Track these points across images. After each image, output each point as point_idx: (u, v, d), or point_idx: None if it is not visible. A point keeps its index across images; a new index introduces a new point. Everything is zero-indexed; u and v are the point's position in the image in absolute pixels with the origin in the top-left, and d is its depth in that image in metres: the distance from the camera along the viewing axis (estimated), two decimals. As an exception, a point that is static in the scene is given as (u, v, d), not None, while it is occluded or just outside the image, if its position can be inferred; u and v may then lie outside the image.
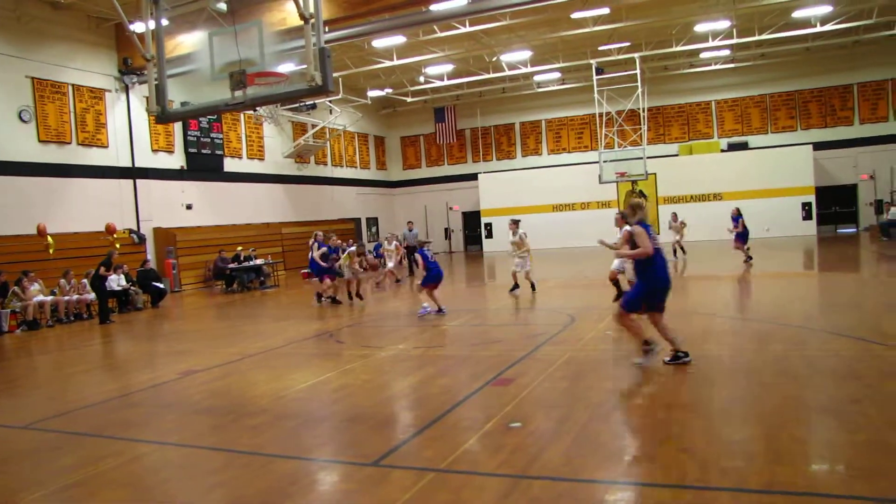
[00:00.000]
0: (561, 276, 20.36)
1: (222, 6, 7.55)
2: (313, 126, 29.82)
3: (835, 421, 5.78)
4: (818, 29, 25.64)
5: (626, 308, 7.87)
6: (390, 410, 7.16)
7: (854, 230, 31.76)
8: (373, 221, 35.52)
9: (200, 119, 24.15)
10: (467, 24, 22.65)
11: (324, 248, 16.61)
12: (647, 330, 7.94)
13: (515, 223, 16.35)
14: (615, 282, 13.29)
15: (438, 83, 30.22)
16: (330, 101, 28.75)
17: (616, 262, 12.81)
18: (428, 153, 38.48)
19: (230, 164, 26.05)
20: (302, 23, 6.88)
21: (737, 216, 20.04)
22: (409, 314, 14.23)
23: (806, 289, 15.33)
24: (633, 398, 6.97)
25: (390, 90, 31.38)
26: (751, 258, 19.51)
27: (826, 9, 23.99)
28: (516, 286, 16.08)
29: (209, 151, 24.81)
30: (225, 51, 7.34)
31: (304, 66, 7.05)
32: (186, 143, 23.88)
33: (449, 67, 28.55)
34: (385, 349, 10.24)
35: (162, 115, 7.82)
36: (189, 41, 8.31)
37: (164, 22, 7.90)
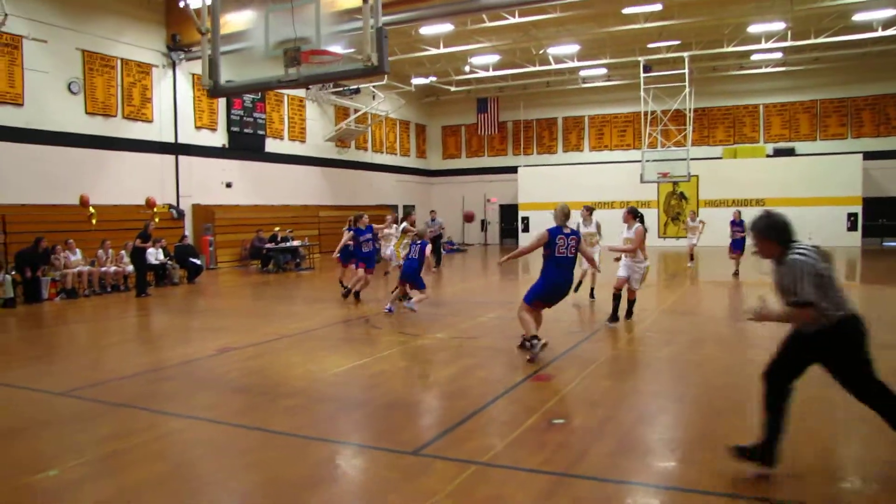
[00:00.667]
0: (600, 274, 20.04)
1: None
2: (356, 111, 29.77)
3: None
4: (878, 34, 24.90)
5: (525, 300, 8.60)
6: (429, 399, 7.04)
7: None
8: (410, 209, 35.43)
9: (245, 98, 24.20)
10: (517, 14, 22.38)
11: (350, 232, 14.41)
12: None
13: (590, 211, 14.35)
14: (617, 295, 11.02)
15: (483, 73, 29.99)
16: (374, 87, 28.68)
17: (622, 269, 11.24)
18: (468, 144, 38.28)
19: (271, 145, 26.11)
20: (359, 2, 6.75)
21: (738, 220, 19.13)
22: (449, 302, 14.14)
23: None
24: (679, 402, 6.74)
25: (434, 78, 31.17)
26: (737, 273, 18.31)
27: (889, 12, 23.26)
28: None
29: (251, 131, 24.87)
30: (280, 27, 7.26)
31: (353, 49, 6.97)
32: (230, 122, 23.95)
33: (495, 58, 28.27)
34: (422, 337, 10.13)
35: (214, 90, 7.75)
36: (243, 17, 8.22)
37: (220, -5, 7.82)
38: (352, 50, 7.15)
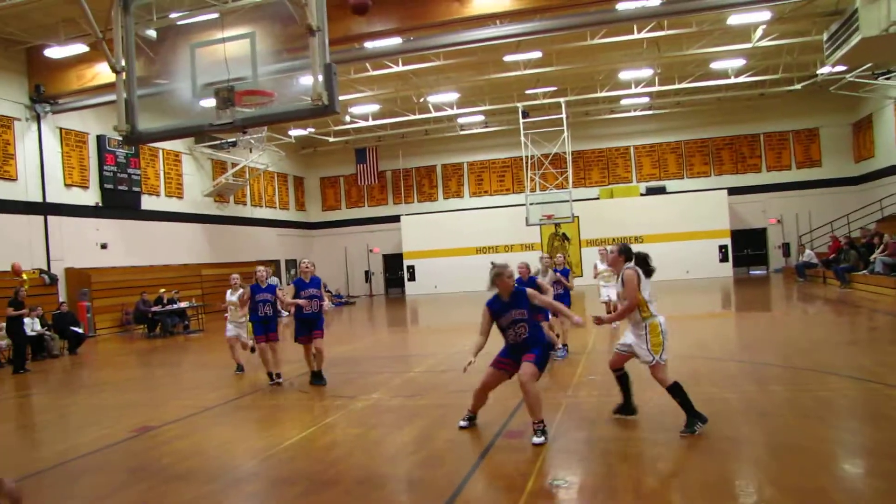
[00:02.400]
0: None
1: (207, 17, 6.79)
2: (233, 165, 28.65)
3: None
4: (731, 80, 26.69)
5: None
6: (404, 470, 6.33)
7: (765, 272, 32.85)
8: (292, 263, 34.30)
9: (118, 153, 22.69)
10: (400, 63, 22.33)
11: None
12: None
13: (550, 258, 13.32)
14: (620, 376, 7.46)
15: (363, 123, 29.69)
16: (252, 139, 27.72)
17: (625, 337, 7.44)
18: (348, 194, 37.69)
19: (148, 202, 24.56)
20: (305, 34, 6.18)
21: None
22: (365, 358, 13.44)
23: (764, 328, 15.35)
24: (666, 446, 6.39)
25: (313, 129, 30.61)
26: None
27: (740, 62, 25.17)
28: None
29: (126, 188, 23.26)
30: (210, 66, 6.56)
31: (295, 88, 6.41)
32: (102, 179, 22.31)
33: (375, 108, 28.10)
34: (358, 398, 9.40)
35: (132, 135, 6.86)
36: (166, 54, 7.42)
37: (146, 31, 7.03)
38: (294, 89, 6.58)
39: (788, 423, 6.95)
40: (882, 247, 21.24)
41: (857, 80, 25.09)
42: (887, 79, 24.80)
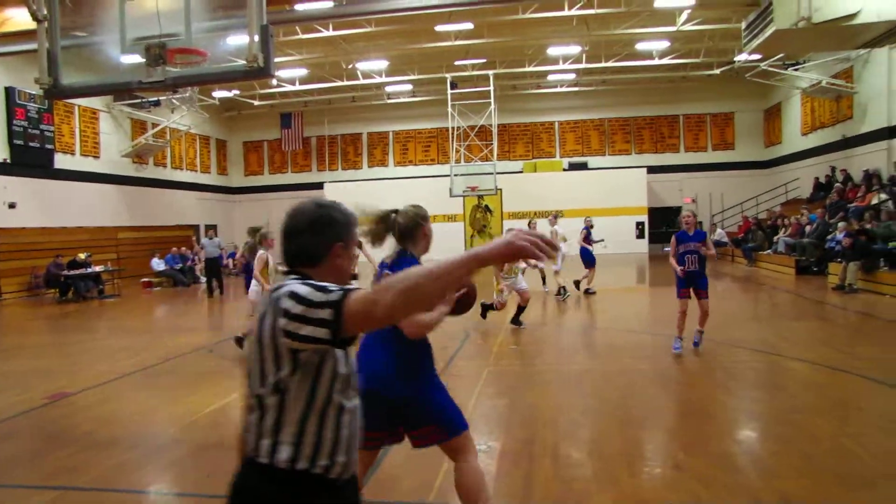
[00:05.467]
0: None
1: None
2: (154, 125, 27.77)
3: (795, 431, 5.83)
4: (654, 62, 27.34)
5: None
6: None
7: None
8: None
9: (29, 107, 21.68)
10: (330, 27, 22.01)
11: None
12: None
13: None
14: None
15: (289, 87, 29.16)
16: (174, 99, 26.89)
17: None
18: (272, 160, 37.03)
19: (61, 161, 23.51)
20: (238, -3, 6.11)
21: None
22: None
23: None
24: (588, 414, 6.69)
25: (238, 92, 29.91)
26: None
27: (664, 44, 25.78)
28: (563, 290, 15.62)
29: (38, 145, 22.21)
30: (140, 20, 6.38)
31: (230, 48, 6.31)
32: (11, 134, 21.19)
33: (302, 72, 27.64)
34: (282, 365, 9.43)
35: (54, 89, 6.61)
36: (93, 3, 7.15)
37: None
38: (228, 49, 6.47)
39: (698, 392, 7.36)
40: (784, 228, 22.32)
41: (770, 68, 26.07)
42: (796, 70, 25.87)
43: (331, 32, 22.31)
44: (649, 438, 5.97)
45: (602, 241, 17.59)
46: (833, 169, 25.09)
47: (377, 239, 3.89)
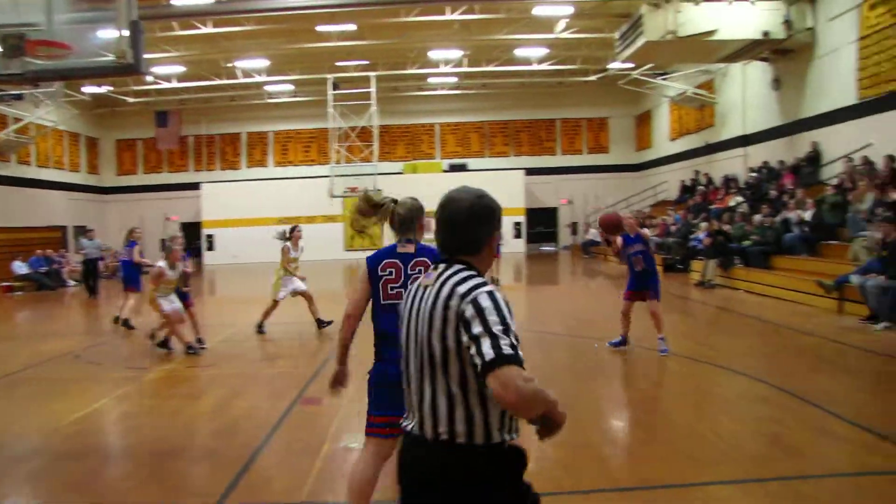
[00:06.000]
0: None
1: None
2: (17, 119, 26.19)
3: (657, 418, 6.23)
4: (533, 67, 28.19)
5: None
6: (202, 439, 6.35)
7: (554, 248, 35.12)
8: (81, 230, 31.93)
9: None
10: (209, 24, 21.48)
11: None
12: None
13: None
14: None
15: (165, 84, 28.21)
16: (40, 94, 25.45)
17: None
18: (146, 159, 35.58)
19: None
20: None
21: None
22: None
23: (551, 300, 16.49)
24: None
25: (111, 88, 28.64)
26: None
27: (543, 51, 26.64)
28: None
29: None
30: (-2, 7, 6.13)
31: (96, 42, 6.15)
32: None
33: (179, 69, 26.81)
34: (152, 370, 9.20)
35: None
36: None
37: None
38: (96, 43, 6.29)
39: (566, 386, 7.67)
40: (651, 228, 23.50)
41: (641, 77, 27.37)
42: (665, 79, 27.29)
43: (210, 30, 21.79)
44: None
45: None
46: (697, 173, 26.58)
47: (365, 222, 4.02)
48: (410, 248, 3.93)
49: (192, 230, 34.33)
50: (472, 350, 2.17)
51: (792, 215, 15.95)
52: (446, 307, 2.27)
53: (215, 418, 6.88)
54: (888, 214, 11.61)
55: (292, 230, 11.76)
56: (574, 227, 35.16)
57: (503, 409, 2.24)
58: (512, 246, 32.52)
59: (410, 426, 2.41)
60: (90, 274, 20.13)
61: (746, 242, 16.61)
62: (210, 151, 35.46)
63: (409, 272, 3.86)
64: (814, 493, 4.58)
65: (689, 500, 4.59)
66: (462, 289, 2.27)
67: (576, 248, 33.04)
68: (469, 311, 2.21)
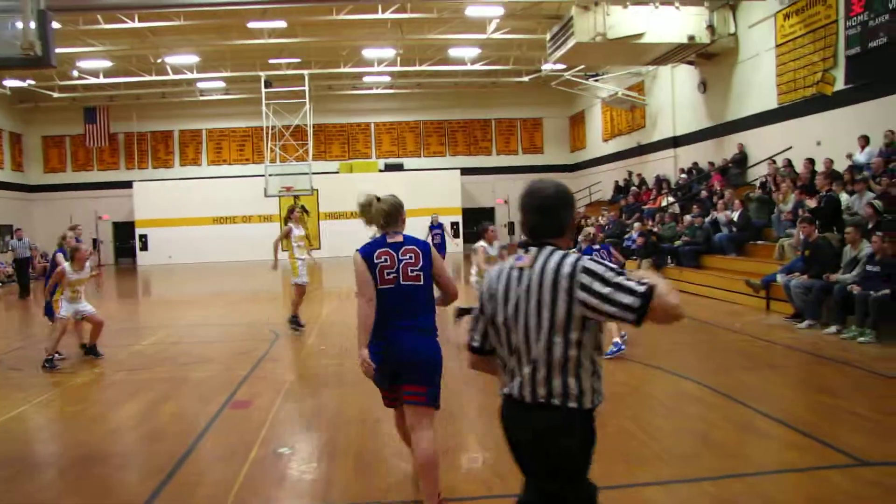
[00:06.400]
0: (237, 291, 19.75)
1: None
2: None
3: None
4: (466, 67, 28.34)
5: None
6: (127, 446, 6.21)
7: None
8: (6, 229, 30.75)
9: None
10: (136, 18, 20.94)
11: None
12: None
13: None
14: None
15: (93, 80, 27.37)
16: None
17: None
18: (75, 156, 34.41)
19: None
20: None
21: (437, 224, 20.19)
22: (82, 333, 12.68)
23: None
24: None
25: (33, 82, 27.65)
26: None
27: (475, 51, 26.82)
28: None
29: None
30: None
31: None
32: None
33: (106, 64, 26.07)
34: (78, 374, 8.97)
35: None
36: None
37: None
38: (7, 35, 6.10)
39: (494, 387, 7.74)
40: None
41: (573, 78, 27.79)
42: (596, 81, 27.77)
43: (136, 24, 21.23)
44: (452, 433, 6.18)
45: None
46: (630, 173, 27.13)
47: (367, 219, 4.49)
48: (399, 238, 4.39)
49: (124, 230, 33.52)
50: (608, 308, 2.48)
51: (721, 216, 16.42)
52: (556, 283, 2.55)
53: (141, 424, 6.75)
54: (808, 215, 12.05)
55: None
56: (511, 227, 35.48)
57: (666, 323, 2.52)
58: (450, 247, 32.57)
59: (513, 391, 2.70)
60: (22, 274, 20.20)
61: (678, 243, 17.01)
62: (142, 149, 34.59)
63: (401, 258, 4.31)
64: (743, 492, 4.70)
65: (622, 502, 4.60)
66: (567, 263, 2.56)
67: (512, 247, 33.25)
68: (584, 279, 2.50)
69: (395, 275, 4.28)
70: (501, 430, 2.83)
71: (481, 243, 10.00)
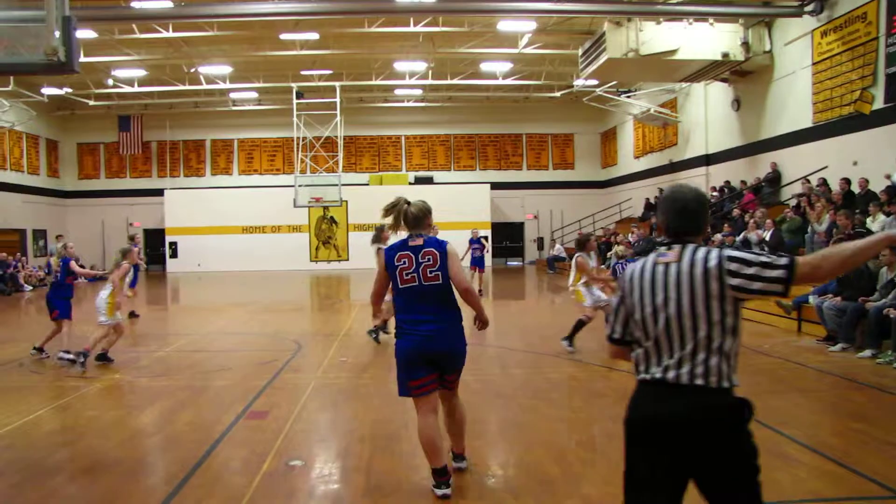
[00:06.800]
0: (263, 301, 19.77)
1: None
2: (-28, 120, 25.67)
3: (607, 439, 6.17)
4: (498, 82, 28.29)
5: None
6: (139, 454, 6.15)
7: (520, 263, 35.19)
8: (41, 234, 31.27)
9: None
10: (170, 28, 21.19)
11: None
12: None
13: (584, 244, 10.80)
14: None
15: (127, 89, 27.76)
16: (-5, 94, 24.95)
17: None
18: (108, 164, 34.98)
19: None
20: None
21: (477, 239, 20.14)
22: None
23: (515, 315, 16.42)
24: (405, 428, 6.73)
25: (70, 90, 28.11)
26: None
27: (507, 65, 26.80)
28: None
29: None
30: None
31: (26, 36, 5.93)
32: None
33: (141, 73, 26.43)
34: (100, 379, 8.95)
35: None
36: None
37: None
38: (38, 41, 6.06)
39: (520, 402, 7.59)
40: (616, 245, 23.59)
41: (605, 94, 27.59)
42: (629, 97, 27.55)
43: (171, 34, 21.48)
44: (467, 450, 6.07)
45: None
46: (661, 191, 26.79)
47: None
48: (420, 241, 4.76)
49: (155, 237, 33.86)
50: (757, 285, 2.77)
51: (752, 235, 16.12)
52: (706, 272, 2.81)
53: (156, 432, 6.70)
54: (842, 236, 11.75)
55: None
56: (540, 243, 35.28)
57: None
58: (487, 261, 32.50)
59: (665, 375, 2.87)
60: None
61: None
62: (174, 158, 35.03)
63: (420, 261, 4.72)
64: None
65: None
66: (713, 256, 2.84)
67: (541, 263, 33.12)
68: (732, 265, 2.79)
69: (413, 275, 4.72)
70: (631, 413, 2.99)
71: (581, 253, 10.43)
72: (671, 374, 2.85)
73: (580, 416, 7.25)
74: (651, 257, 2.98)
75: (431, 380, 4.83)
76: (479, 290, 17.37)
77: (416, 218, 4.82)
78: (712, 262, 2.81)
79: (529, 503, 4.83)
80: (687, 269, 2.86)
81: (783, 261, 2.74)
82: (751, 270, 2.75)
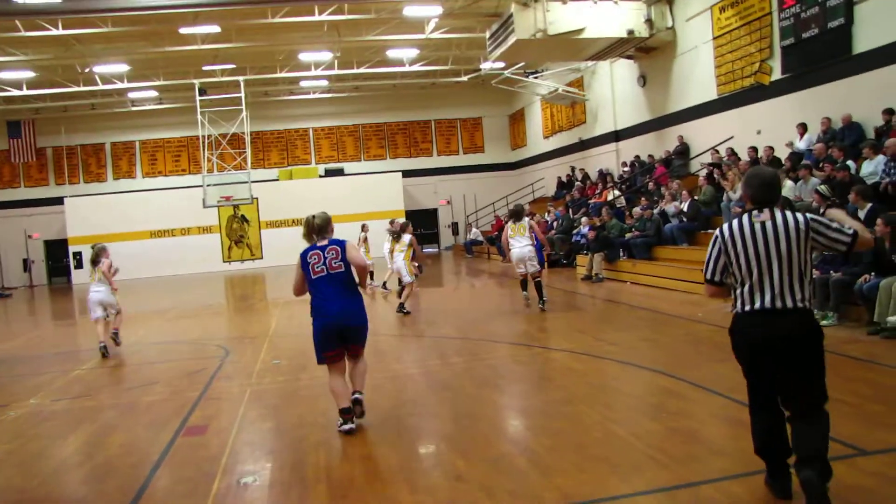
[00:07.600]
0: (180, 306, 19.07)
1: None
2: None
3: (567, 423, 6.06)
4: (406, 68, 28.04)
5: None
6: (71, 488, 5.63)
7: (436, 250, 35.12)
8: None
9: None
10: (59, 25, 20.02)
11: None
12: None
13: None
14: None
15: (15, 92, 26.15)
16: None
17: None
18: (0, 173, 33.07)
19: None
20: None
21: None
22: (19, 359, 11.97)
23: (439, 302, 16.26)
24: (359, 428, 6.42)
25: (-54, 95, 26.33)
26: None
27: (414, 52, 26.56)
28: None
29: None
30: None
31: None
32: None
33: (30, 74, 24.95)
34: (11, 407, 8.32)
35: None
36: None
37: None
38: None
39: (469, 393, 7.44)
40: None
41: (512, 76, 27.73)
42: (536, 78, 27.76)
43: (60, 31, 20.29)
44: (426, 449, 5.87)
45: None
46: (573, 169, 27.18)
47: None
48: (325, 242, 6.26)
49: (57, 248, 32.23)
50: (831, 240, 3.97)
51: (670, 207, 16.45)
52: (797, 228, 3.92)
53: (87, 460, 6.20)
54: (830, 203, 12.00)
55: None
56: (455, 228, 35.32)
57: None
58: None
59: (764, 304, 3.97)
60: None
61: (628, 235, 16.96)
62: (72, 164, 33.40)
63: (326, 255, 6.18)
64: (745, 495, 4.41)
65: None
66: (800, 217, 3.97)
67: (457, 248, 33.17)
68: (815, 225, 3.94)
69: (322, 267, 6.16)
70: (735, 340, 4.26)
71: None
72: (779, 303, 3.91)
73: (532, 402, 7.18)
74: (744, 218, 4.02)
75: (341, 350, 6.27)
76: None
77: (320, 227, 6.32)
78: (801, 222, 3.91)
79: (506, 499, 4.61)
80: (781, 224, 3.92)
81: (850, 230, 3.92)
82: (828, 231, 3.94)
